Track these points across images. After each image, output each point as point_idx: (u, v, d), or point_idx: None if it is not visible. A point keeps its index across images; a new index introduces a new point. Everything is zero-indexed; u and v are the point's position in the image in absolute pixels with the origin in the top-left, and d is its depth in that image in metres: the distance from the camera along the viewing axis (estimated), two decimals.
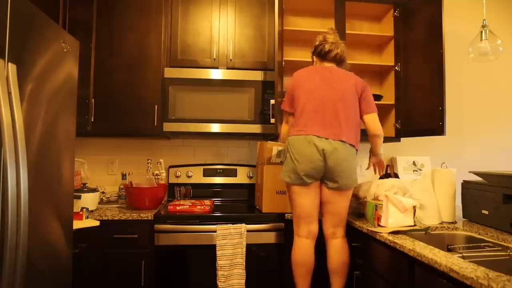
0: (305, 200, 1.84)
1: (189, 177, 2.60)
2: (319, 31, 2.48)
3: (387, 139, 2.71)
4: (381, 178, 2.25)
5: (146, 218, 2.02)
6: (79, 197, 2.03)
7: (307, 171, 1.78)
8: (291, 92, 1.96)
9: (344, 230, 1.90)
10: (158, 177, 2.43)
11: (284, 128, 2.07)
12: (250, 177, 2.65)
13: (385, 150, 2.85)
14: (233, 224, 2.03)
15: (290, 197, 1.90)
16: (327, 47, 1.94)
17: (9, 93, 1.04)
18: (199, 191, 2.60)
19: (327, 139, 1.78)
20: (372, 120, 1.91)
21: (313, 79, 1.90)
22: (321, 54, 1.97)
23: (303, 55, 2.68)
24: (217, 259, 1.97)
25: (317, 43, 1.99)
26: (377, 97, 2.56)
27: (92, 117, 2.27)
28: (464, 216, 1.92)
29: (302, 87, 1.90)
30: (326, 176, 1.82)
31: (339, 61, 1.97)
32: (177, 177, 2.59)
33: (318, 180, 1.84)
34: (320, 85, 1.87)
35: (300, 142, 1.81)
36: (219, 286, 1.95)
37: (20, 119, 1.06)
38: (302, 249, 1.85)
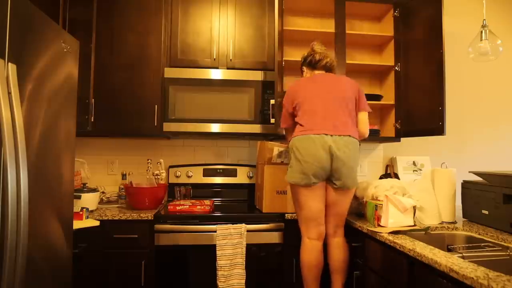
0: (313, 202, 1.82)
1: (189, 177, 2.60)
2: (319, 31, 2.50)
3: (387, 139, 2.71)
4: (381, 178, 2.25)
5: (146, 218, 2.02)
6: (79, 197, 2.03)
7: (314, 171, 1.76)
8: (289, 106, 1.94)
9: (343, 230, 1.92)
10: (158, 177, 2.43)
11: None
12: (250, 177, 2.65)
13: (385, 150, 2.85)
14: (233, 224, 2.03)
15: (297, 199, 1.87)
16: (317, 56, 1.98)
17: (9, 93, 1.04)
18: (199, 191, 2.60)
19: (332, 135, 1.77)
20: (365, 118, 1.96)
21: (309, 86, 1.91)
22: (312, 64, 2.00)
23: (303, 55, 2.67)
24: (217, 259, 1.97)
25: (305, 54, 2.03)
26: (377, 97, 2.56)
27: (92, 117, 2.27)
28: (464, 216, 1.92)
29: (300, 96, 1.89)
30: (332, 174, 1.80)
31: (329, 68, 2.00)
32: (177, 177, 2.59)
33: (324, 181, 1.83)
34: (316, 89, 1.88)
35: (305, 141, 1.79)
36: (219, 286, 1.95)
37: (20, 119, 1.06)
38: (314, 251, 1.84)
